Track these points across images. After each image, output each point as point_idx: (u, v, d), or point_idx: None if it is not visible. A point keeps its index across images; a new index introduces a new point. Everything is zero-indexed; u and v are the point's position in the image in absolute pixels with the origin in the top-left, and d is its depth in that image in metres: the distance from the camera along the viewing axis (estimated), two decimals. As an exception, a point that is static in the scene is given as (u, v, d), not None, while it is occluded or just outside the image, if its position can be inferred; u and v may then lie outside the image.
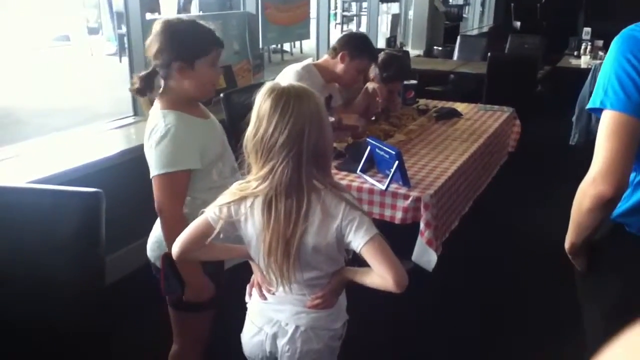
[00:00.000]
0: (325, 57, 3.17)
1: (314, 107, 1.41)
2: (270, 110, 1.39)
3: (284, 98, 1.39)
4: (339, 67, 3.03)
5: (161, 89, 1.85)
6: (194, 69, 1.81)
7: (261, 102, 1.41)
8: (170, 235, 1.78)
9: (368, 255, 1.42)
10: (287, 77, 2.98)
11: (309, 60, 3.13)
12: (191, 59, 1.80)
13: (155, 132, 1.78)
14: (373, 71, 3.40)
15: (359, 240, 1.42)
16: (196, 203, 1.82)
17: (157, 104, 1.86)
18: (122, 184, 2.57)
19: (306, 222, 1.42)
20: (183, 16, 1.85)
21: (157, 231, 1.94)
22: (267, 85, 1.44)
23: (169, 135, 1.76)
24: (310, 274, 1.51)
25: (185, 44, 1.80)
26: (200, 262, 1.78)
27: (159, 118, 1.81)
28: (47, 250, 1.75)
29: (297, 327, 1.57)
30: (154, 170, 1.79)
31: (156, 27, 1.81)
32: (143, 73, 1.86)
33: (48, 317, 1.75)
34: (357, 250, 1.44)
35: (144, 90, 1.85)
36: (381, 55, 3.51)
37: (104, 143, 3.27)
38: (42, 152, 3.07)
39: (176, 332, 2.04)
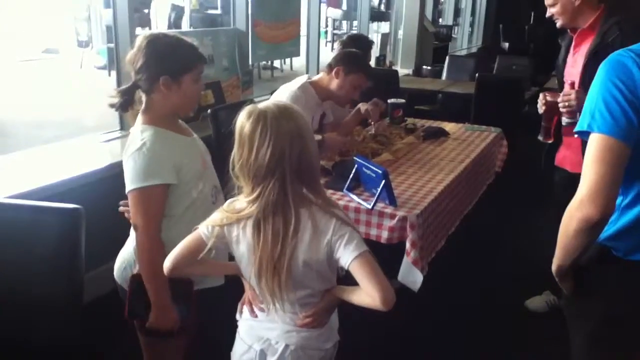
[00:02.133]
0: (321, 74, 3.17)
1: (293, 125, 1.42)
2: (250, 133, 1.40)
3: (261, 120, 1.40)
4: (334, 83, 3.02)
5: (143, 104, 1.82)
6: (180, 84, 1.79)
7: (241, 126, 1.43)
8: (142, 253, 1.77)
9: (356, 272, 1.42)
10: (284, 96, 2.96)
11: (304, 78, 3.11)
12: (178, 74, 1.78)
13: (131, 146, 1.77)
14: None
15: (348, 255, 1.42)
16: (173, 222, 1.81)
17: (139, 119, 1.84)
18: (106, 199, 2.52)
19: (295, 238, 1.42)
20: (167, 31, 1.82)
21: (125, 252, 1.90)
22: (247, 108, 1.45)
23: (144, 149, 1.74)
24: (301, 292, 1.51)
25: (173, 58, 1.79)
26: (169, 289, 1.75)
27: (137, 133, 1.79)
28: (25, 266, 1.73)
29: (287, 346, 1.56)
30: (128, 185, 1.76)
31: (141, 42, 1.78)
32: (122, 87, 1.84)
33: (25, 333, 1.72)
34: (346, 267, 1.44)
35: (124, 105, 1.83)
36: (346, 39, 3.86)
37: (88, 157, 3.23)
38: (24, 166, 3.03)
39: (145, 357, 1.98)
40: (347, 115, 3.40)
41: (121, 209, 1.92)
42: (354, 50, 3.24)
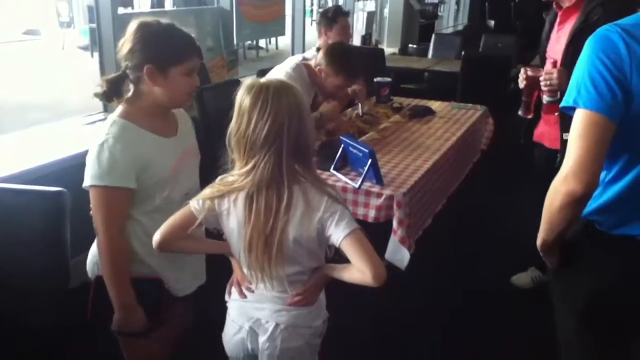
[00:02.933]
0: (312, 52, 3.18)
1: (292, 100, 1.43)
2: (250, 106, 1.41)
3: (262, 94, 1.41)
4: (321, 77, 3.02)
5: (130, 93, 1.70)
6: (167, 76, 1.66)
7: (241, 99, 1.43)
8: (102, 252, 1.67)
9: (347, 249, 1.43)
10: (279, 75, 2.95)
11: (299, 58, 3.11)
12: (165, 64, 1.65)
13: (97, 137, 1.66)
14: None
15: (339, 233, 1.43)
16: (134, 225, 1.72)
17: (118, 108, 1.73)
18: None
19: (287, 215, 1.43)
20: (163, 19, 1.73)
21: (94, 247, 1.78)
22: (247, 81, 1.46)
23: (105, 146, 1.63)
24: (291, 268, 1.52)
25: (160, 47, 1.65)
26: (132, 290, 1.69)
27: (106, 125, 1.69)
28: (9, 250, 1.71)
29: (277, 325, 1.57)
30: (85, 180, 1.66)
31: (131, 27, 1.66)
32: (111, 76, 1.71)
33: (11, 316, 1.71)
34: (337, 244, 1.45)
35: (110, 95, 1.71)
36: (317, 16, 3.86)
37: (72, 140, 3.19)
38: (7, 149, 2.99)
39: (125, 355, 1.90)
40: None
41: None
42: (340, 46, 3.15)
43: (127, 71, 1.68)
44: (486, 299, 3.13)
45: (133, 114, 1.70)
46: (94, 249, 1.77)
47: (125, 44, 1.66)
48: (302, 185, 1.45)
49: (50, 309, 1.78)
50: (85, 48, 8.07)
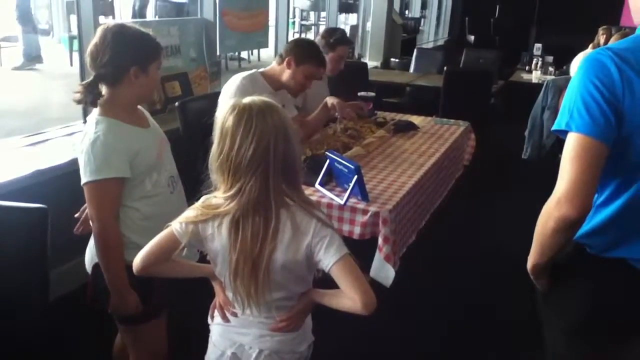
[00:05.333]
0: (272, 64, 3.11)
1: (277, 120, 1.39)
2: (233, 128, 1.36)
3: (246, 114, 1.36)
4: (286, 73, 2.97)
5: (105, 96, 1.82)
6: (147, 74, 1.83)
7: (224, 121, 1.39)
8: (98, 242, 1.80)
9: (337, 275, 1.40)
10: (231, 86, 2.91)
11: (255, 70, 3.07)
12: (147, 63, 1.82)
13: (85, 139, 1.79)
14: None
15: (329, 259, 1.40)
16: (129, 212, 1.85)
17: (95, 110, 1.85)
18: (70, 194, 2.47)
19: (275, 240, 1.39)
20: (126, 22, 1.86)
21: (91, 243, 1.92)
22: (229, 104, 1.41)
23: (98, 142, 1.75)
24: (278, 294, 1.48)
25: (141, 49, 1.82)
26: (126, 274, 1.74)
27: (91, 124, 1.81)
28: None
29: (260, 351, 1.52)
30: (83, 178, 1.78)
31: (104, 34, 1.77)
32: (86, 82, 1.81)
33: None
34: (327, 270, 1.41)
35: (92, 100, 1.80)
36: (323, 32, 3.83)
37: (50, 151, 3.13)
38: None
39: (129, 348, 2.03)
40: (316, 107, 3.36)
41: (77, 215, 2.03)
42: (306, 38, 3.22)
43: (105, 75, 1.78)
44: (470, 314, 3.13)
45: (113, 111, 1.82)
46: (90, 246, 1.91)
47: (105, 50, 1.76)
48: (289, 208, 1.41)
49: (30, 320, 1.76)
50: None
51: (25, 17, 7.74)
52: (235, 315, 1.54)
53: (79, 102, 1.81)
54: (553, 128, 1.39)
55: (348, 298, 1.39)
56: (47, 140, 3.31)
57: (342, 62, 3.75)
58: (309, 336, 1.61)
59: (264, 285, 1.42)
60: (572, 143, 1.32)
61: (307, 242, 1.41)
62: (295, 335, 1.55)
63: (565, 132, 1.35)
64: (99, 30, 1.80)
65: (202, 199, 1.47)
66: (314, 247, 1.41)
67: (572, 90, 1.36)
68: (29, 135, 3.32)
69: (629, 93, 1.29)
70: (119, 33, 1.78)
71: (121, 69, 1.77)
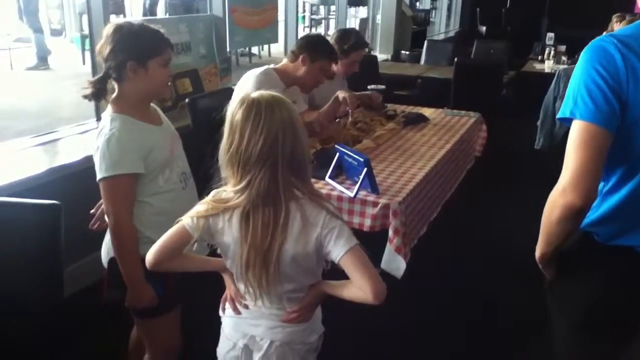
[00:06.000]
0: (284, 61, 3.13)
1: (286, 114, 1.40)
2: (242, 122, 1.38)
3: (254, 108, 1.38)
4: (301, 70, 3.01)
5: (115, 92, 1.87)
6: (147, 69, 1.84)
7: (233, 115, 1.40)
8: (114, 236, 1.85)
9: (347, 266, 1.41)
10: (247, 82, 2.95)
11: (269, 65, 3.10)
12: (144, 58, 1.83)
13: (100, 136, 1.82)
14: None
15: (338, 250, 1.41)
16: (143, 207, 1.89)
17: (108, 108, 1.88)
18: (84, 191, 2.51)
19: (285, 232, 1.41)
20: (133, 19, 1.91)
21: (107, 239, 1.96)
22: (239, 98, 1.43)
23: (113, 139, 1.79)
24: (288, 285, 1.49)
25: (138, 44, 1.84)
26: (141, 267, 1.73)
27: (106, 122, 1.84)
28: (3, 264, 1.69)
29: (272, 342, 1.54)
30: (98, 174, 1.82)
31: (107, 31, 1.84)
32: (95, 78, 1.88)
33: (5, 329, 1.69)
34: (336, 261, 1.42)
35: (97, 95, 1.88)
36: (335, 33, 3.73)
37: (64, 149, 3.17)
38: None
39: (146, 341, 2.08)
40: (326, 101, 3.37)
41: (92, 211, 2.05)
42: (315, 33, 3.24)
43: (110, 71, 1.84)
44: (482, 306, 3.13)
45: (125, 108, 1.86)
46: (105, 241, 1.95)
47: (105, 46, 1.82)
48: (299, 201, 1.43)
49: (45, 318, 1.78)
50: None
51: (31, 17, 7.81)
52: (246, 307, 1.55)
53: (85, 96, 1.89)
54: (558, 116, 1.39)
55: (358, 288, 1.40)
56: (59, 139, 3.35)
57: (356, 66, 3.71)
58: (319, 327, 1.63)
59: (274, 277, 1.43)
60: (577, 130, 1.32)
61: (317, 234, 1.42)
62: (305, 327, 1.56)
63: (569, 120, 1.35)
64: (105, 28, 1.86)
65: (212, 193, 1.48)
66: (323, 238, 1.42)
67: (576, 78, 1.35)
68: (41, 135, 3.37)
69: (633, 80, 1.29)
70: (119, 29, 1.83)
71: (119, 63, 1.81)
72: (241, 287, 1.54)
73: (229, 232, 1.44)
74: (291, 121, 1.41)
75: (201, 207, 1.46)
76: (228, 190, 1.44)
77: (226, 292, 1.63)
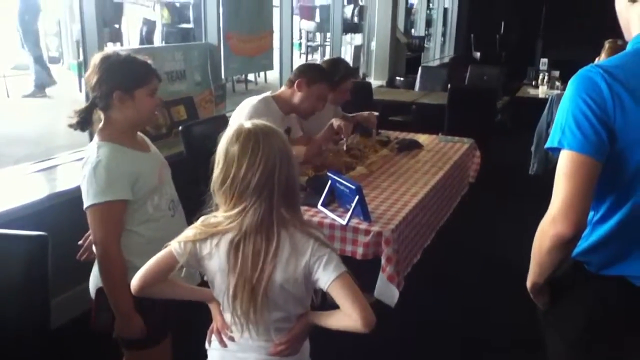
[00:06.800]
0: (282, 89, 3.15)
1: (281, 143, 1.42)
2: (240, 153, 1.38)
3: (252, 139, 1.39)
4: (297, 96, 3.03)
5: (102, 122, 1.88)
6: (134, 99, 1.85)
7: (228, 147, 1.40)
8: (102, 265, 1.82)
9: (336, 293, 1.40)
10: (245, 110, 2.95)
11: (267, 93, 3.11)
12: (131, 88, 1.85)
13: (87, 164, 1.82)
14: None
15: (327, 277, 1.40)
16: (132, 237, 1.87)
17: (96, 136, 1.89)
18: (73, 221, 2.49)
19: (275, 260, 1.40)
20: (120, 49, 1.95)
21: (95, 269, 1.93)
22: (232, 129, 1.43)
23: (100, 166, 1.79)
24: (276, 314, 1.48)
25: (125, 74, 1.85)
26: (131, 297, 1.70)
27: (92, 150, 1.85)
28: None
29: None
30: (85, 202, 1.81)
31: (95, 60, 1.86)
32: (80, 108, 1.88)
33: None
34: (325, 288, 1.42)
35: (82, 124, 1.88)
36: (323, 63, 3.69)
37: (56, 178, 3.16)
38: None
39: None
40: (321, 128, 3.38)
41: (80, 242, 2.04)
42: (312, 62, 3.27)
43: (96, 100, 1.85)
44: (477, 331, 3.10)
45: (112, 136, 1.87)
46: (94, 271, 1.92)
47: (92, 75, 1.84)
48: (289, 229, 1.43)
49: (32, 349, 1.74)
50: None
51: (33, 46, 7.85)
52: (232, 339, 1.53)
53: (70, 126, 1.88)
54: (546, 145, 1.39)
55: (347, 316, 1.39)
56: (54, 166, 3.34)
57: (347, 94, 3.63)
58: (306, 359, 1.60)
59: (262, 306, 1.42)
60: (565, 160, 1.32)
61: (305, 261, 1.41)
62: (293, 359, 1.54)
63: (558, 150, 1.35)
64: (93, 58, 1.88)
65: (201, 218, 1.48)
66: (312, 265, 1.41)
67: (564, 108, 1.36)
68: (36, 162, 3.36)
69: (620, 110, 1.29)
70: (106, 58, 1.85)
71: (106, 93, 1.82)
72: (227, 317, 1.51)
73: (217, 257, 1.43)
74: (286, 150, 1.42)
75: (190, 232, 1.46)
76: (219, 215, 1.43)
77: (213, 324, 1.60)
